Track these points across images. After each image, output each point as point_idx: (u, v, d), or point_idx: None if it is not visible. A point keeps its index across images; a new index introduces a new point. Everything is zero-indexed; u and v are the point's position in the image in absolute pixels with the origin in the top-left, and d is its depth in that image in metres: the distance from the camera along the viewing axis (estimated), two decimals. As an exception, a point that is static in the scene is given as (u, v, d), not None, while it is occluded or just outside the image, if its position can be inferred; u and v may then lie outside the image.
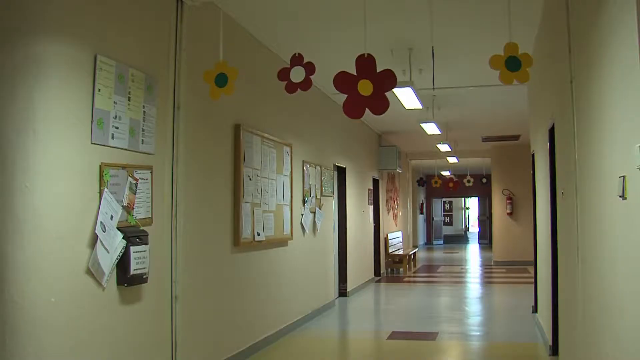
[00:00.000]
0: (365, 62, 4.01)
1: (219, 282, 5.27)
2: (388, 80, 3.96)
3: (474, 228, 30.17)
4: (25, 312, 3.10)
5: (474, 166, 19.28)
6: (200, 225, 4.92)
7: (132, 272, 3.77)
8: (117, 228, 3.70)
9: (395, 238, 14.83)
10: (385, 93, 3.96)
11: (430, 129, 10.20)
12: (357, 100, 3.97)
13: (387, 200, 14.36)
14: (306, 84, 4.24)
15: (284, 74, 4.24)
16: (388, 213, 14.47)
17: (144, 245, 3.89)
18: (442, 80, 7.46)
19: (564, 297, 4.66)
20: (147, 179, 4.09)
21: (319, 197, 8.38)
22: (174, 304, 4.43)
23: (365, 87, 3.97)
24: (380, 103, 3.94)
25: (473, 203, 29.79)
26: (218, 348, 5.21)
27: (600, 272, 3.09)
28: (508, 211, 15.51)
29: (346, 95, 3.97)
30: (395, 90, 6.81)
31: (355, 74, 3.97)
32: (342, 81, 3.98)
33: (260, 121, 6.23)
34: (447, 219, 28.93)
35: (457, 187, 18.60)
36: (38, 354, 3.14)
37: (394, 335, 6.94)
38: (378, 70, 3.93)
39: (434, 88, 6.77)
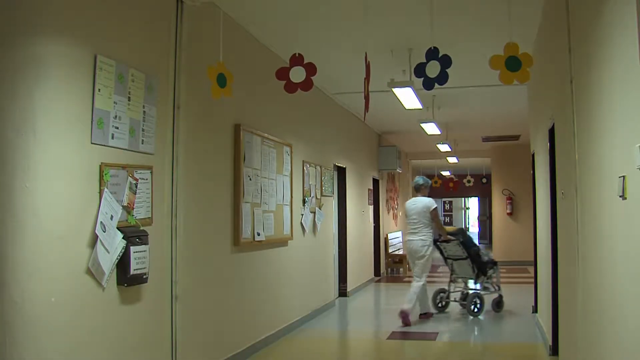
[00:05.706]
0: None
1: (219, 282, 5.27)
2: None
3: (474, 228, 30.16)
4: (25, 312, 3.10)
5: (474, 166, 19.27)
6: (200, 225, 4.92)
7: (132, 272, 3.77)
8: (117, 228, 3.70)
9: (395, 238, 14.82)
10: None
11: (430, 129, 10.20)
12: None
13: (387, 200, 14.36)
14: (307, 85, 4.23)
15: (282, 73, 4.23)
16: (388, 213, 14.47)
17: (143, 245, 3.89)
18: (442, 80, 7.45)
19: (564, 297, 4.66)
20: (147, 179, 4.09)
21: (319, 197, 8.38)
22: (174, 304, 4.43)
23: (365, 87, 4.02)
24: (367, 101, 4.06)
25: (473, 203, 29.78)
26: (218, 348, 5.21)
27: (600, 272, 3.09)
28: (508, 211, 15.51)
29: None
30: (395, 90, 6.82)
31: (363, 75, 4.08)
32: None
33: (260, 121, 6.23)
34: (447, 219, 28.91)
35: (457, 187, 18.59)
36: (38, 354, 3.14)
37: (394, 335, 6.94)
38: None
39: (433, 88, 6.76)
